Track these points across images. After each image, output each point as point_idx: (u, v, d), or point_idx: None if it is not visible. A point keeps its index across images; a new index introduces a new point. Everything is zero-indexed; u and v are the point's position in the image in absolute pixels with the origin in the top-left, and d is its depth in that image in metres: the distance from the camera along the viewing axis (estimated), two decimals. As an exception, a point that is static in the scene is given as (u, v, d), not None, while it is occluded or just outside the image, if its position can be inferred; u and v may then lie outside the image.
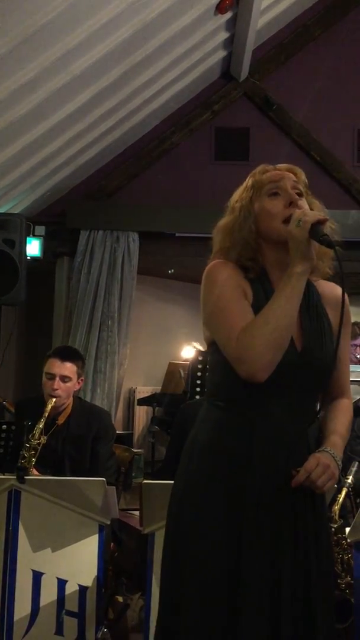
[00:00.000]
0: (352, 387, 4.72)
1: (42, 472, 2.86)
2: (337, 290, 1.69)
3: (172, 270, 6.17)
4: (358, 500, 3.07)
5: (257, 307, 1.57)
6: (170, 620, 1.63)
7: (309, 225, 1.51)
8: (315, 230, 1.52)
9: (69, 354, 3.05)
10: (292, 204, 1.62)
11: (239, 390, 1.59)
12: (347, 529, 2.49)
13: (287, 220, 1.58)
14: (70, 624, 2.44)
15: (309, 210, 1.62)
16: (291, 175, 1.69)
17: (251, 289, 1.63)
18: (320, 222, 1.53)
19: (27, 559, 2.46)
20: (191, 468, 1.66)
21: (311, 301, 1.67)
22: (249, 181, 1.71)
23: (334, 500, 2.62)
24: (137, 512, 3.15)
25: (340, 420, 1.69)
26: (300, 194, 1.66)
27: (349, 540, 2.48)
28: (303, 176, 1.73)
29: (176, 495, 1.69)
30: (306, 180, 1.73)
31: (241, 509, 1.57)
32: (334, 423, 1.68)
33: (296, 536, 1.58)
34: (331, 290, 1.72)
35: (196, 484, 1.63)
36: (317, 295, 1.70)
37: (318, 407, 1.72)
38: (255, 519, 1.56)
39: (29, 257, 4.51)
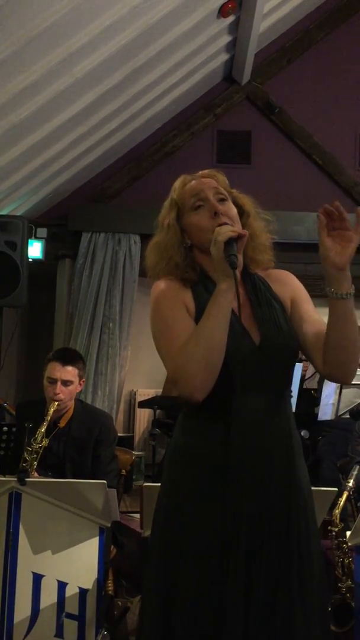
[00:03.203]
0: (353, 390, 4.70)
1: (43, 475, 2.85)
2: (284, 272, 1.77)
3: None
4: (359, 504, 3.07)
5: (202, 309, 1.59)
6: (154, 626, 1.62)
7: (222, 245, 1.53)
8: (227, 248, 1.53)
9: (69, 358, 3.04)
10: (216, 214, 1.64)
11: (209, 395, 1.58)
12: (348, 533, 2.49)
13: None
14: (71, 626, 2.44)
15: (228, 224, 1.62)
16: (211, 181, 1.71)
17: (192, 296, 1.66)
18: (232, 239, 1.54)
19: (28, 561, 2.45)
20: (171, 475, 1.67)
21: (259, 293, 1.69)
22: (172, 196, 1.74)
23: (335, 504, 2.62)
24: (137, 515, 3.15)
25: None
26: (223, 199, 1.68)
27: (349, 544, 2.48)
28: (223, 178, 1.75)
29: (160, 504, 1.69)
30: (227, 181, 1.75)
31: (221, 514, 1.56)
32: None
33: (269, 543, 1.56)
34: (276, 273, 1.77)
35: (177, 491, 1.64)
36: (264, 284, 1.72)
37: (290, 402, 1.71)
38: (234, 523, 1.55)
39: (30, 259, 4.52)
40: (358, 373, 4.85)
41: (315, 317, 1.70)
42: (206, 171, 1.76)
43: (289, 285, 1.75)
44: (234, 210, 1.68)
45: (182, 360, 1.54)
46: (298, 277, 1.80)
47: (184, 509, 1.61)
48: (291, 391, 1.73)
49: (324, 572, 1.67)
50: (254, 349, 1.61)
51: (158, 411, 6.28)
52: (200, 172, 1.76)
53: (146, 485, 2.51)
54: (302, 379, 5.19)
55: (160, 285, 1.70)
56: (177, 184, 1.74)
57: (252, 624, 1.52)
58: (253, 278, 1.71)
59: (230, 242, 1.54)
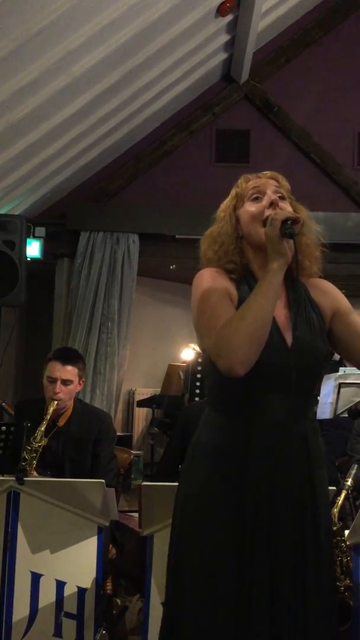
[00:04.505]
0: (351, 389, 4.71)
1: (42, 474, 2.85)
2: (325, 283, 1.79)
3: (174, 266, 6.16)
4: (357, 503, 3.07)
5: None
6: (175, 615, 1.64)
7: (279, 223, 1.58)
8: (284, 226, 1.58)
9: (69, 357, 3.04)
10: (272, 205, 1.68)
11: (233, 392, 1.62)
12: (347, 532, 2.49)
13: (266, 223, 1.65)
14: (69, 625, 2.44)
15: (289, 210, 1.67)
16: (273, 181, 1.75)
17: (236, 290, 1.68)
18: (289, 220, 1.58)
19: (26, 560, 2.45)
20: (193, 471, 1.68)
21: (299, 298, 1.70)
22: (232, 192, 1.78)
23: (333, 502, 2.61)
24: (136, 514, 3.15)
25: None
26: (282, 197, 1.72)
27: (348, 543, 2.48)
28: (285, 182, 1.78)
29: (179, 499, 1.70)
30: (289, 186, 1.78)
31: (242, 510, 1.58)
32: None
33: (294, 537, 1.59)
34: (317, 283, 1.79)
35: (198, 488, 1.65)
36: (305, 291, 1.74)
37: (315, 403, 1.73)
38: (255, 520, 1.58)
39: (29, 259, 4.51)
40: (358, 372, 4.85)
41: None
42: (269, 172, 1.80)
43: (329, 295, 1.76)
44: (290, 208, 1.71)
45: (226, 333, 1.54)
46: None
47: (203, 505, 1.63)
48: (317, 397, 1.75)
49: (335, 572, 1.70)
50: (286, 350, 1.62)
51: (156, 410, 6.29)
52: (262, 173, 1.79)
53: (145, 485, 2.50)
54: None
55: (206, 272, 1.72)
56: (241, 179, 1.79)
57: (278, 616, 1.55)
58: (296, 284, 1.72)
59: (286, 222, 1.58)
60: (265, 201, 1.69)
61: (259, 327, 1.54)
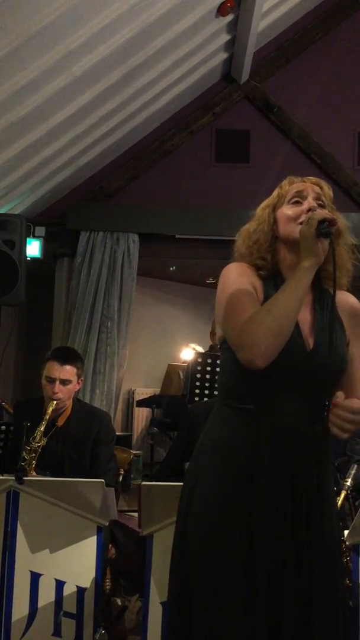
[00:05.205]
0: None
1: (42, 474, 2.85)
2: (352, 298, 1.78)
3: (174, 268, 6.16)
4: (357, 503, 3.07)
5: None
6: (180, 618, 1.65)
7: (316, 223, 1.59)
8: (320, 225, 1.59)
9: (68, 356, 3.04)
10: (310, 211, 1.69)
11: (248, 388, 1.63)
12: (346, 532, 2.49)
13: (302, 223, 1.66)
14: (68, 625, 2.44)
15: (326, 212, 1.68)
16: (316, 187, 1.77)
17: (263, 286, 1.69)
18: (326, 221, 1.59)
19: (26, 560, 2.45)
20: (201, 465, 1.69)
21: (325, 304, 1.71)
22: (275, 192, 1.81)
23: (333, 502, 2.61)
24: (136, 514, 3.15)
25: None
26: (322, 205, 1.73)
27: (347, 543, 2.48)
28: (329, 190, 1.79)
29: (185, 493, 1.71)
30: (332, 195, 1.80)
31: (249, 507, 1.59)
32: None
33: (299, 534, 1.59)
34: (345, 298, 1.79)
35: (205, 482, 1.66)
36: (331, 300, 1.72)
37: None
38: (262, 516, 1.58)
39: (28, 258, 4.51)
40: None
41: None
42: (314, 178, 1.82)
43: (350, 320, 1.75)
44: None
45: (250, 325, 1.57)
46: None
47: (208, 502, 1.63)
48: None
49: (344, 570, 1.70)
50: (305, 353, 1.63)
51: (156, 410, 6.29)
52: (307, 177, 1.81)
53: (144, 484, 2.50)
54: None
55: (235, 265, 1.75)
56: (285, 180, 1.81)
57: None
58: (323, 292, 1.73)
59: (323, 222, 1.59)
60: (304, 206, 1.71)
61: (284, 322, 1.56)
